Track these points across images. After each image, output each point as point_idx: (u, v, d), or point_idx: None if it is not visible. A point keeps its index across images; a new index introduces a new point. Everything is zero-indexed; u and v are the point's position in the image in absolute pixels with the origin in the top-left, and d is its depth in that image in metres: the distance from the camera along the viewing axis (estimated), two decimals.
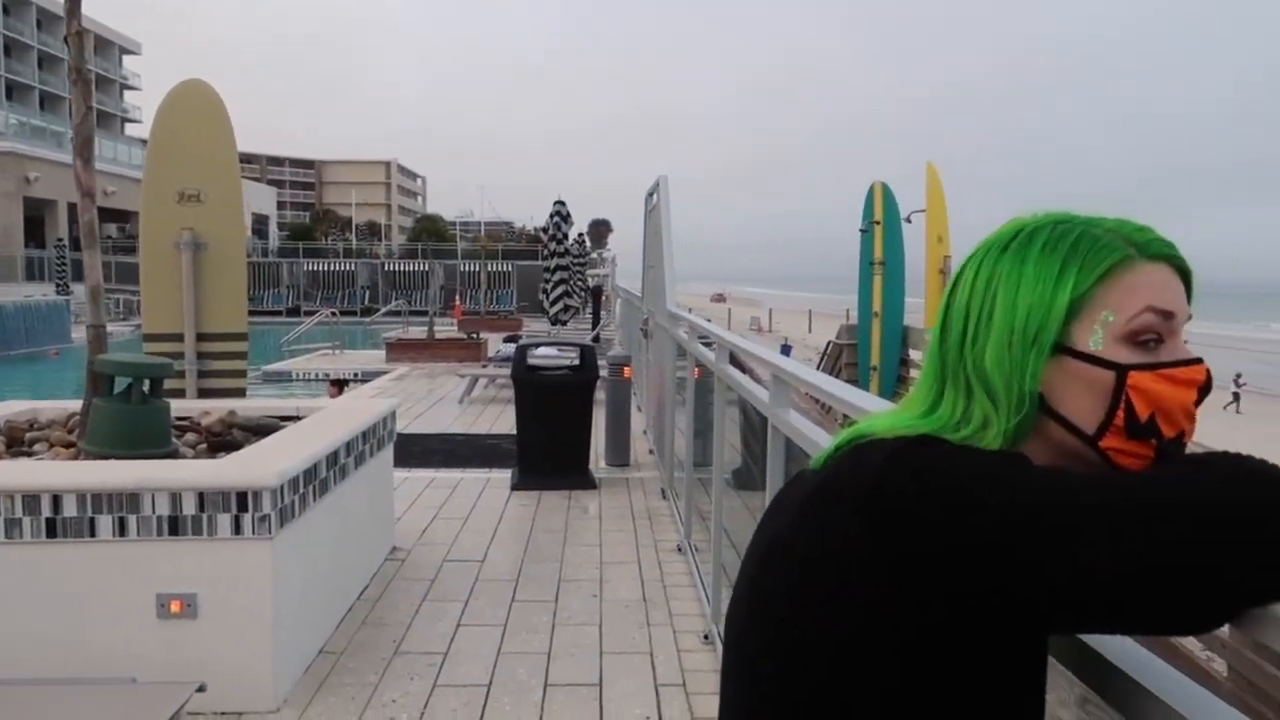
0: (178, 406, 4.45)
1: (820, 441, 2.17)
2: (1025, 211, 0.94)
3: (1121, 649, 0.91)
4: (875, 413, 0.99)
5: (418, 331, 19.73)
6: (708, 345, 4.74)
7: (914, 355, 10.46)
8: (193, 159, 5.54)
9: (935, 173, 9.39)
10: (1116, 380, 0.81)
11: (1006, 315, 0.86)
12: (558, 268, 16.35)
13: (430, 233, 65.81)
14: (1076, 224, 0.88)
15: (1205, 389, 0.83)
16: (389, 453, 5.20)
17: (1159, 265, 0.85)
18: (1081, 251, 0.85)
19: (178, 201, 5.51)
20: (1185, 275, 0.86)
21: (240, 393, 5.77)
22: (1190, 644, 3.46)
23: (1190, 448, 0.84)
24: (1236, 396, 25.92)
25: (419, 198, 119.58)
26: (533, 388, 7.01)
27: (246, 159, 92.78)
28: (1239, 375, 26.55)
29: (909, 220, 9.65)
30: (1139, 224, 0.88)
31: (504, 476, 7.18)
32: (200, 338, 5.58)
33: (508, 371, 8.07)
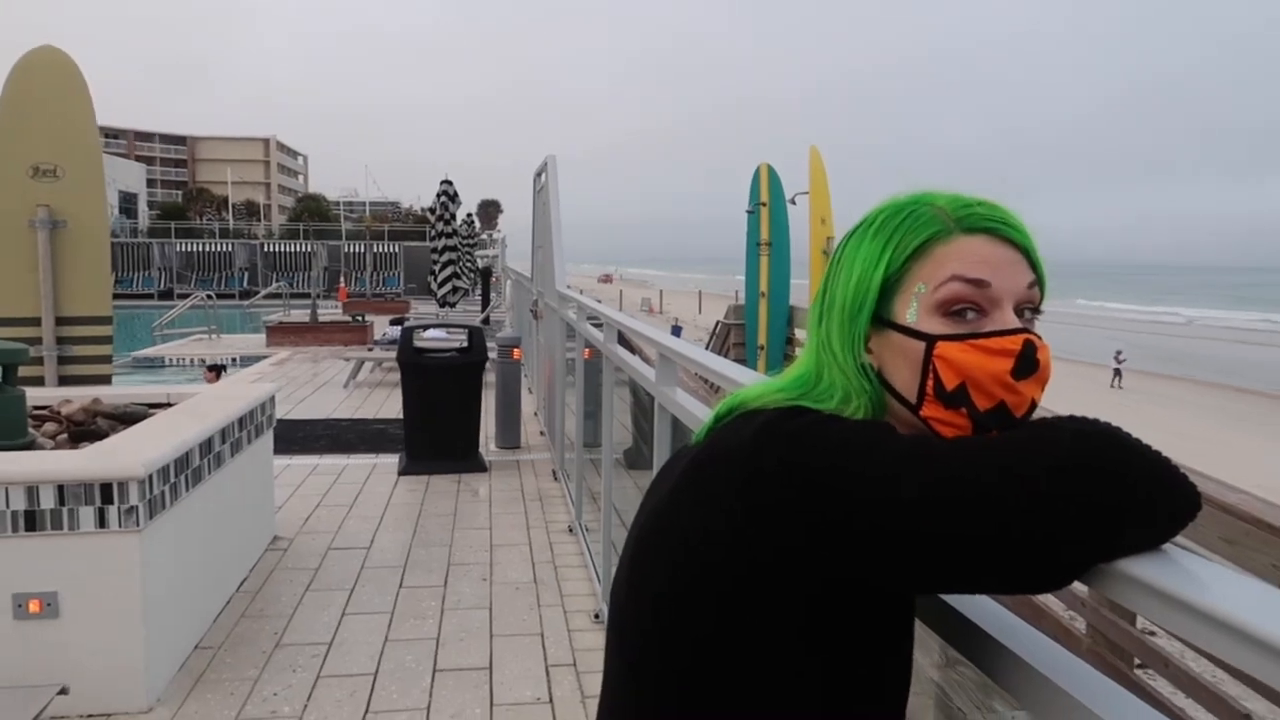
0: (35, 395, 4.19)
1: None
2: (901, 191, 0.96)
3: (984, 611, 0.95)
4: (749, 383, 1.01)
5: (300, 314, 19.13)
6: (597, 326, 4.73)
7: (799, 334, 10.70)
8: (47, 132, 5.19)
9: (818, 156, 9.57)
10: (926, 350, 0.84)
11: (843, 294, 0.91)
12: (446, 248, 16.06)
13: (313, 213, 63.64)
14: (912, 204, 0.90)
15: (1026, 359, 0.83)
16: (268, 439, 5.02)
17: (976, 237, 0.86)
18: (901, 230, 0.88)
19: (31, 177, 5.16)
20: (1025, 249, 0.87)
21: (106, 379, 5.47)
22: (1054, 606, 3.65)
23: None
24: (1118, 373, 27.04)
25: (300, 176, 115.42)
26: (420, 371, 6.87)
27: (111, 134, 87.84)
28: (1119, 352, 27.73)
29: (794, 202, 9.81)
30: (972, 199, 0.89)
31: (391, 462, 7.03)
32: (60, 321, 5.26)
33: (394, 354, 7.89)
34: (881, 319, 0.88)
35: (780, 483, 0.79)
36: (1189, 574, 0.68)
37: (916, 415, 0.86)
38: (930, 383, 0.84)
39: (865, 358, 0.89)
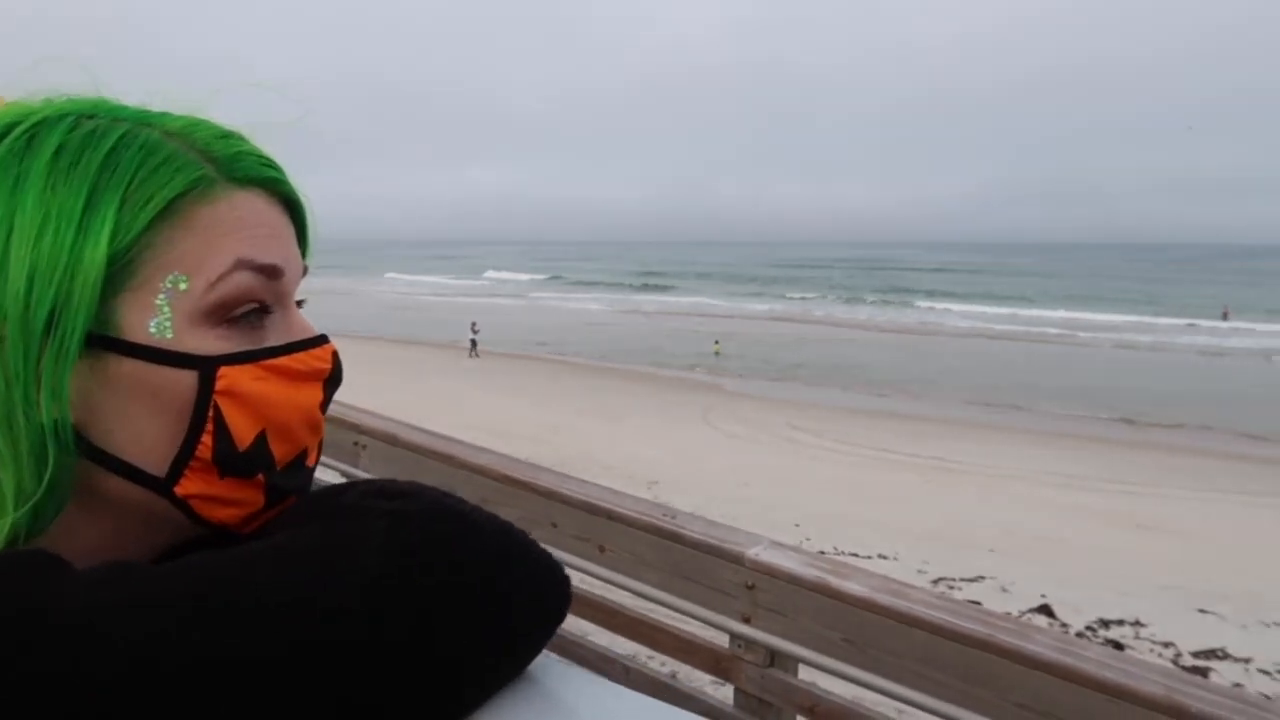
0: None
1: None
2: (35, 93, 0.53)
3: None
4: None
5: None
6: None
7: None
8: None
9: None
10: (200, 384, 0.50)
11: None
12: None
13: None
14: (121, 120, 0.52)
15: (335, 381, 0.57)
16: None
17: (251, 193, 0.54)
18: (127, 169, 0.49)
19: None
20: (294, 209, 0.58)
21: None
22: None
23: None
24: (474, 344, 27.71)
25: None
26: None
27: None
28: (475, 322, 28.39)
29: None
30: (222, 127, 0.55)
31: None
32: None
33: None
34: (95, 336, 0.49)
35: None
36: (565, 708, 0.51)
37: (168, 498, 0.51)
38: (210, 439, 0.50)
39: (56, 412, 0.48)
